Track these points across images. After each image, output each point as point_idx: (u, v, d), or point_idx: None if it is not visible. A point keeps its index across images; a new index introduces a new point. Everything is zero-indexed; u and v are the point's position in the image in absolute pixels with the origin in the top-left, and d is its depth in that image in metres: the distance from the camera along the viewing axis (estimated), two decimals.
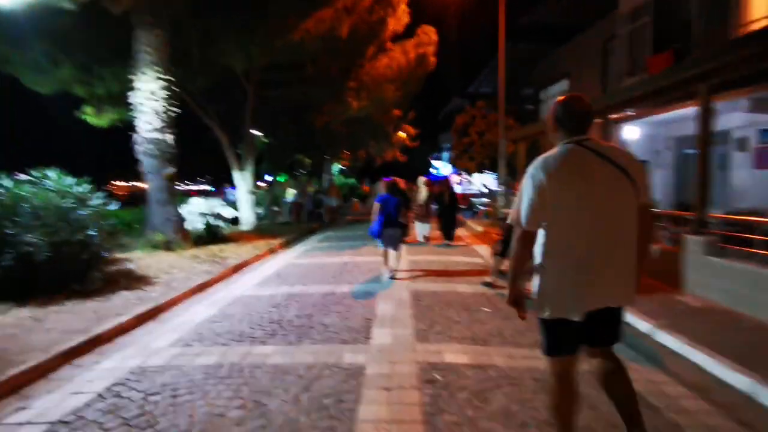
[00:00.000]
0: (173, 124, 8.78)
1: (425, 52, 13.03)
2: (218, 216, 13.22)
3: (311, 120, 15.97)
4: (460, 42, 37.04)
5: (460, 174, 19.91)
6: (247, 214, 13.32)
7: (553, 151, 2.07)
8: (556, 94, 17.92)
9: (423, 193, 11.03)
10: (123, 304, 5.27)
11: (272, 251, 10.00)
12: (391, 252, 7.01)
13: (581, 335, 2.13)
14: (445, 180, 12.86)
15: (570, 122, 2.10)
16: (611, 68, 13.94)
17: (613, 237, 2.01)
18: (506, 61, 24.25)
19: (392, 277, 6.81)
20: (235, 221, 13.86)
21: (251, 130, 13.16)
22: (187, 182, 61.49)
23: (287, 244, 11.15)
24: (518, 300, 2.15)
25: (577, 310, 2.03)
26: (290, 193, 17.54)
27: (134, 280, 6.35)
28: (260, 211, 18.79)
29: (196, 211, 13.06)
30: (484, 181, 19.24)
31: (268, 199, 19.14)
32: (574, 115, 2.11)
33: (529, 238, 2.06)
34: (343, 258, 8.83)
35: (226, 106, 12.96)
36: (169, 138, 8.64)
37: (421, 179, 11.77)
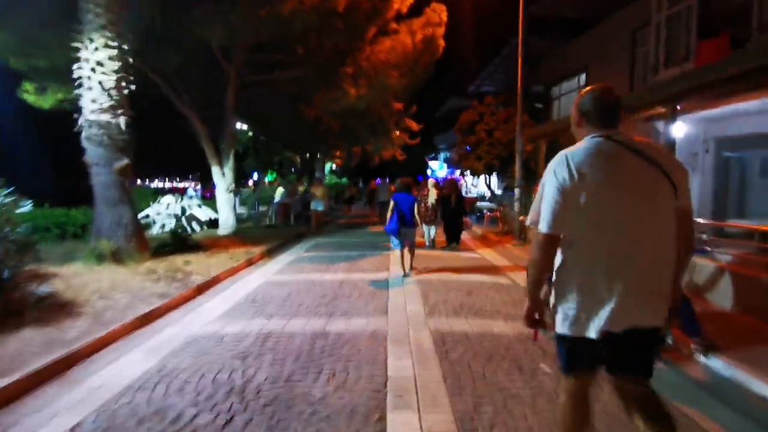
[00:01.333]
0: (128, 104, 7.06)
1: (434, 33, 11.43)
2: (191, 218, 11.47)
3: (302, 112, 14.32)
4: (459, 39, 35.64)
5: (463, 175, 18.35)
6: (226, 216, 11.59)
7: (578, 145, 1.84)
8: (570, 90, 16.48)
9: (432, 195, 10.10)
10: (14, 353, 3.58)
11: (251, 262, 8.31)
12: (407, 250, 7.26)
13: (603, 354, 1.85)
14: (451, 181, 11.42)
15: (599, 114, 1.87)
16: (639, 60, 12.49)
17: (646, 245, 1.76)
18: (511, 56, 22.82)
19: (406, 275, 7.05)
20: (213, 224, 12.12)
21: (233, 121, 11.44)
22: (177, 179, 59.22)
23: (270, 253, 9.46)
24: (536, 316, 1.90)
25: (599, 328, 1.77)
26: (278, 193, 15.85)
27: (53, 310, 4.63)
28: (244, 211, 17.04)
29: (166, 213, 11.30)
30: (487, 183, 17.67)
31: (253, 199, 17.41)
32: (604, 106, 1.88)
33: (550, 243, 1.79)
34: (337, 274, 7.17)
35: (203, 92, 11.23)
36: (122, 121, 6.92)
37: (430, 181, 10.90)
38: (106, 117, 6.74)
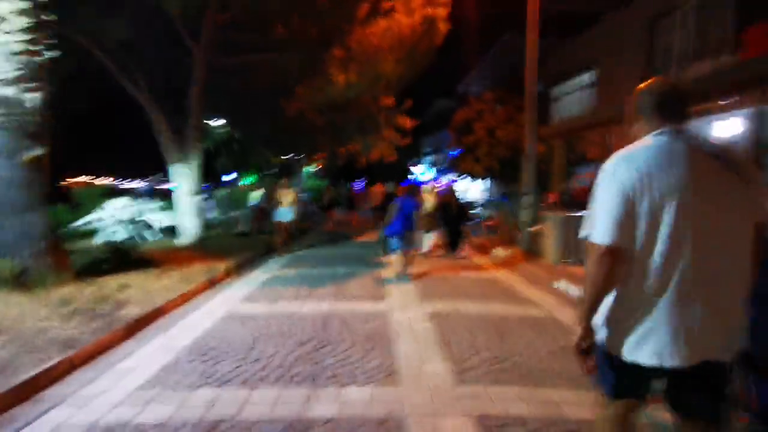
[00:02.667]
0: (46, 76, 5.31)
1: (435, 15, 9.97)
2: (144, 225, 9.67)
3: (282, 106, 12.66)
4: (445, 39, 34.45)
5: (456, 180, 16.95)
6: (188, 223, 9.82)
7: (640, 144, 1.61)
8: (574, 89, 15.26)
9: (430, 201, 9.80)
10: None
11: (212, 283, 6.61)
12: (408, 253, 7.22)
13: (659, 385, 1.64)
14: (449, 188, 10.70)
15: (666, 108, 1.63)
16: (658, 53, 11.29)
17: (722, 264, 1.52)
18: (502, 55, 21.63)
19: (407, 278, 7.04)
20: (173, 231, 10.33)
21: (199, 111, 9.70)
22: (143, 178, 55.76)
23: (239, 270, 7.77)
24: (590, 345, 1.66)
25: (655, 356, 1.53)
26: (255, 196, 14.11)
27: None
28: (216, 215, 15.21)
29: (114, 219, 9.46)
30: (475, 188, 16.32)
31: (225, 203, 15.59)
32: (673, 99, 1.64)
33: (610, 257, 1.52)
34: (321, 304, 5.53)
35: (162, 74, 9.47)
36: (35, 98, 5.16)
37: (427, 186, 10.73)
38: (10, 91, 4.98)
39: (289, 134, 14.26)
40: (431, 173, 39.34)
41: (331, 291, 6.18)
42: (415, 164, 39.57)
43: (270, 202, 14.34)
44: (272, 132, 14.28)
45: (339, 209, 18.12)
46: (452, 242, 9.80)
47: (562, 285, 6.90)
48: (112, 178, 54.56)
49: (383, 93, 12.07)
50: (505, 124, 13.42)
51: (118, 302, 5.01)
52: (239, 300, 5.70)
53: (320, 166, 31.39)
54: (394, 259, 7.27)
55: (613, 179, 1.53)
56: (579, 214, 9.16)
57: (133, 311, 4.75)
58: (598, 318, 1.65)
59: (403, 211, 7.03)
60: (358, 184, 37.05)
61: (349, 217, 17.27)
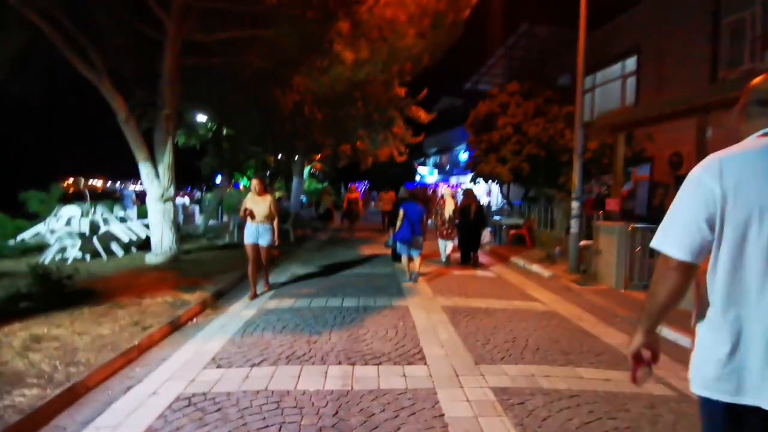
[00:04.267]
0: None
1: None
2: (109, 238, 7.83)
3: (276, 98, 10.87)
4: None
5: (474, 182, 15.06)
6: (160, 236, 7.99)
7: (740, 146, 1.40)
8: (611, 78, 13.48)
9: (449, 206, 9.01)
10: None
11: (176, 326, 4.78)
12: (416, 258, 7.33)
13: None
14: (469, 191, 9.63)
15: None
16: (724, 34, 9.52)
17: None
18: (520, 48, 19.86)
19: (414, 280, 7.24)
20: (145, 243, 8.50)
21: (172, 98, 7.86)
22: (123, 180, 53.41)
23: (217, 302, 5.93)
24: (642, 353, 1.54)
25: (755, 394, 1.29)
26: (247, 201, 12.30)
27: None
28: (201, 223, 13.35)
29: (65, 230, 7.61)
30: (504, 193, 14.48)
31: (211, 207, 13.75)
32: None
33: (681, 274, 1.38)
34: (329, 375, 3.66)
35: (126, 53, 7.65)
36: None
37: (447, 190, 9.66)
38: None
39: (285, 131, 12.43)
40: (435, 175, 37.59)
41: (341, 343, 4.33)
42: (421, 164, 37.73)
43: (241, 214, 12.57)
44: (265, 128, 12.46)
45: (340, 215, 16.23)
46: (469, 248, 9.16)
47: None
48: (102, 180, 52.17)
49: (398, 78, 10.25)
50: (533, 118, 11.62)
51: (6, 377, 3.18)
52: (205, 363, 3.85)
53: (319, 169, 29.50)
54: (405, 262, 7.42)
55: (699, 186, 1.36)
56: (649, 226, 7.36)
57: (24, 396, 2.93)
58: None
59: (408, 217, 7.19)
60: (360, 186, 35.18)
61: (351, 224, 15.29)
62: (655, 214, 10.08)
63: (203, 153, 13.59)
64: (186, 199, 20.60)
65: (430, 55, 9.11)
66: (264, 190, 6.12)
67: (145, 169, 7.86)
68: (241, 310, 5.54)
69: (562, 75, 15.23)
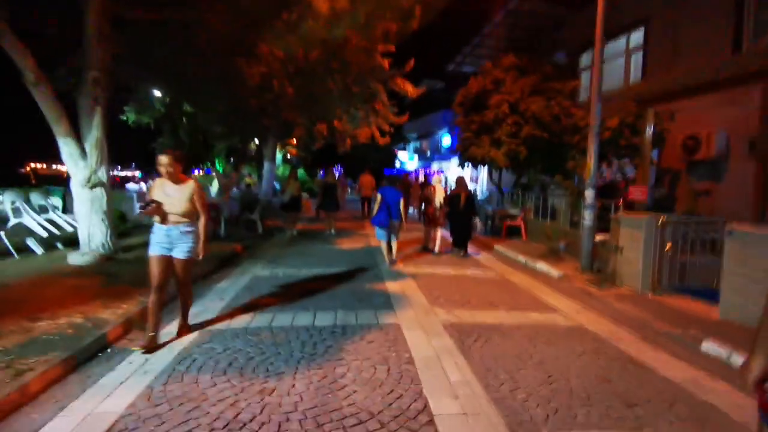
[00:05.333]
0: None
1: None
2: (16, 231, 6.23)
3: (239, 69, 9.32)
4: (433, 13, 31.22)
5: (463, 167, 13.78)
6: (87, 230, 6.43)
7: None
8: (614, 55, 12.34)
9: (439, 194, 8.88)
10: None
11: (71, 366, 3.34)
12: (393, 242, 7.45)
13: None
14: (461, 180, 8.97)
15: None
16: (748, 3, 8.44)
17: None
18: (501, 26, 18.61)
19: (392, 262, 7.33)
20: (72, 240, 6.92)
21: (99, 57, 6.25)
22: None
23: (139, 322, 4.49)
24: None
25: None
26: (213, 189, 10.72)
27: None
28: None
29: None
30: (495, 181, 13.30)
31: None
32: None
33: None
34: None
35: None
36: None
37: (436, 177, 9.46)
38: None
39: (251, 108, 10.86)
40: (416, 161, 36.34)
41: (309, 394, 2.99)
42: (401, 149, 36.32)
43: (225, 196, 11.00)
44: (228, 105, 10.87)
45: (314, 204, 14.65)
46: (460, 237, 8.69)
47: (711, 347, 4.02)
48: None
49: (382, 41, 8.81)
50: (531, 96, 10.40)
51: None
52: None
53: (294, 154, 27.74)
54: (385, 248, 7.42)
55: None
56: (684, 218, 6.26)
57: None
58: None
59: (387, 202, 7.23)
60: (337, 172, 33.51)
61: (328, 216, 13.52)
62: (662, 204, 9.07)
63: (158, 133, 11.89)
64: (142, 186, 18.70)
65: (423, 7, 7.66)
66: (181, 172, 3.82)
67: (66, 147, 6.25)
68: (169, 345, 4.13)
69: (555, 54, 14.05)
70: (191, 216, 3.84)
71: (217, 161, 21.76)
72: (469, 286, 6.23)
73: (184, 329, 4.12)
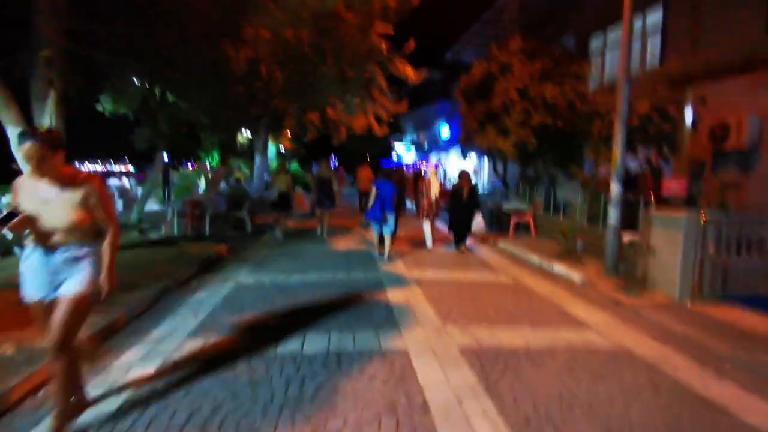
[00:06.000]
0: None
1: None
2: None
3: (225, 53, 8.48)
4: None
5: (465, 157, 12.91)
6: None
7: None
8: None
9: (435, 187, 8.55)
10: None
11: None
12: (387, 236, 7.32)
13: None
14: (465, 173, 8.59)
15: None
16: None
17: None
18: (504, 10, 17.74)
19: (389, 257, 7.22)
20: None
21: (49, 36, 5.38)
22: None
23: (95, 348, 3.67)
24: None
25: None
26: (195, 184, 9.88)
27: None
28: (136, 211, 10.83)
29: None
30: (499, 172, 12.50)
31: (145, 192, 11.23)
32: None
33: None
34: None
35: None
36: None
37: (431, 170, 9.20)
38: None
39: (238, 97, 9.99)
40: (413, 153, 35.53)
41: None
42: (399, 140, 35.43)
43: (211, 193, 10.15)
44: (215, 94, 9.99)
45: (309, 201, 13.72)
46: (460, 231, 8.45)
47: None
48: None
49: (381, 18, 7.96)
50: (541, 82, 9.60)
51: None
52: None
53: (288, 147, 26.79)
54: (377, 242, 7.46)
55: None
56: (729, 216, 5.50)
57: None
58: None
59: (381, 195, 7.19)
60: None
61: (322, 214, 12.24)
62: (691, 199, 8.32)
63: (137, 123, 10.99)
64: (125, 181, 17.73)
65: None
66: (64, 165, 2.41)
67: (15, 134, 5.39)
68: (135, 362, 3.34)
69: (562, 38, 13.21)
70: (85, 232, 2.44)
71: (206, 155, 20.78)
72: (482, 294, 5.46)
73: (77, 402, 2.60)
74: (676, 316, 4.68)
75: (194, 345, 3.69)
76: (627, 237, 6.21)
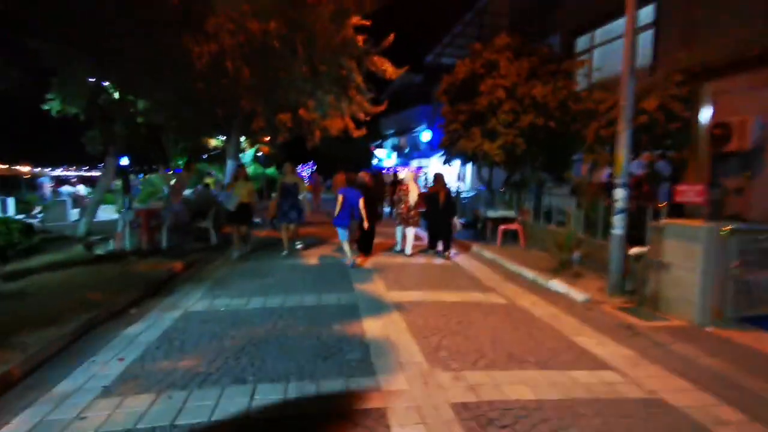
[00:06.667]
0: None
1: None
2: None
3: (186, 47, 7.58)
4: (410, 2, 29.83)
5: (449, 164, 12.15)
6: None
7: None
8: (615, 36, 11.02)
9: (413, 192, 8.09)
10: None
11: None
12: (353, 243, 7.47)
13: None
14: (439, 177, 8.22)
15: None
16: None
17: None
18: (497, 14, 17.24)
19: (353, 266, 7.02)
20: None
21: None
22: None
23: None
24: None
25: None
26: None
27: None
28: (84, 221, 9.72)
29: None
30: (483, 178, 11.80)
31: (93, 202, 10.12)
32: None
33: None
34: None
35: None
36: None
37: (409, 175, 8.50)
38: None
39: (201, 95, 9.03)
40: (394, 159, 34.80)
41: None
42: (378, 147, 34.70)
43: (171, 201, 9.12)
44: (174, 90, 9.01)
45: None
46: (439, 238, 8.18)
47: None
48: (28, 166, 45.15)
49: (354, 6, 7.14)
50: (527, 81, 8.95)
51: None
52: None
53: (266, 152, 25.68)
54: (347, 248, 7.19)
55: None
56: (755, 227, 4.86)
57: None
58: None
59: (348, 201, 7.11)
60: (305, 169, 31.32)
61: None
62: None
63: (88, 125, 9.91)
64: (80, 188, 16.39)
65: None
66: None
67: None
68: None
69: (547, 38, 12.68)
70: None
71: (178, 159, 19.56)
72: (474, 320, 4.67)
73: None
74: (701, 346, 3.98)
75: (105, 408, 2.78)
76: (631, 249, 5.52)
